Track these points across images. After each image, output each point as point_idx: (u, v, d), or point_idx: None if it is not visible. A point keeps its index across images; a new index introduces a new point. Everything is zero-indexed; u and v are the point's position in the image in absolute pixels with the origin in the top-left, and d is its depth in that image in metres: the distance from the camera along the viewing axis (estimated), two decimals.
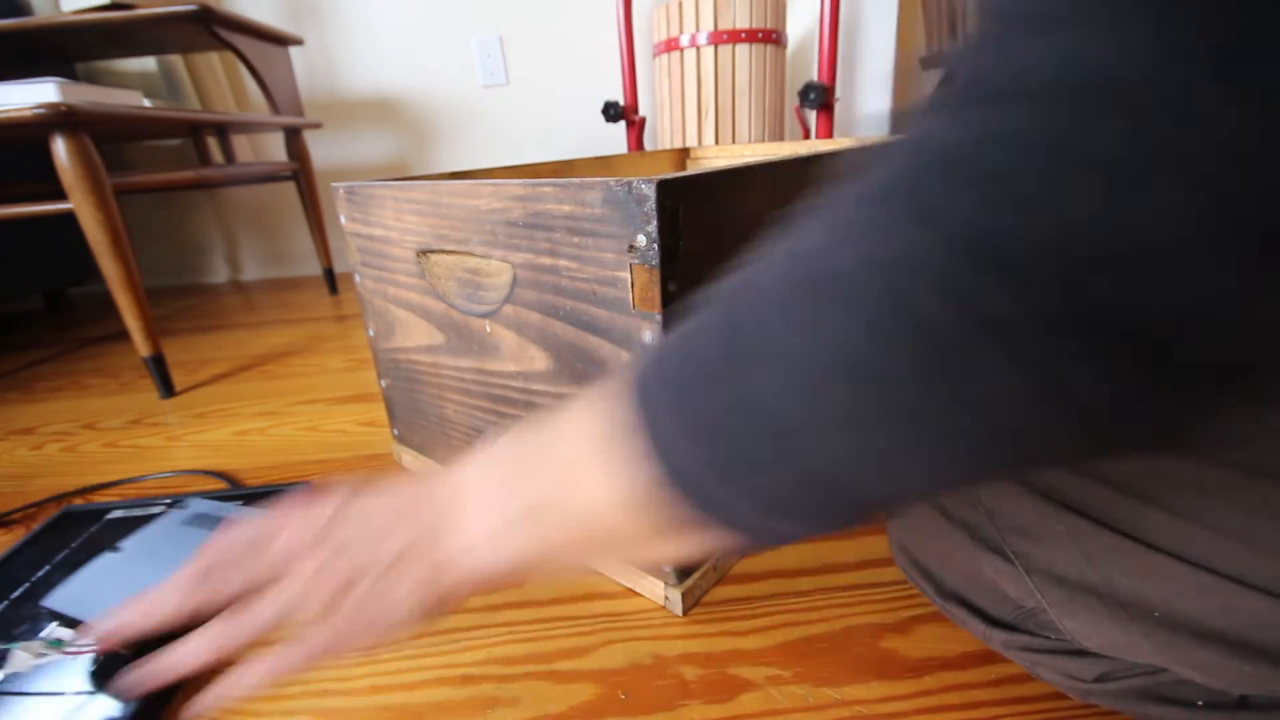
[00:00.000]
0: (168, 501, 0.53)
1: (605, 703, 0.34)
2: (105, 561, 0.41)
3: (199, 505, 0.46)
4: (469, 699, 0.35)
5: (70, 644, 0.38)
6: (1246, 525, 0.21)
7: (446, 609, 0.24)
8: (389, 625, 0.23)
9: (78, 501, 0.59)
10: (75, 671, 0.37)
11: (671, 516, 0.18)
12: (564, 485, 0.21)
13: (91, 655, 0.38)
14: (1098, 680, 0.28)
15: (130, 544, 0.42)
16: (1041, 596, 0.27)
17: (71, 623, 0.39)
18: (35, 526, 0.53)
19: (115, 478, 0.64)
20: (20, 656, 0.38)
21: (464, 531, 0.22)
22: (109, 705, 0.34)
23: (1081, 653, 0.27)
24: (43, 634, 0.39)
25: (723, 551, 0.24)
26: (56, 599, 0.38)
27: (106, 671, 0.36)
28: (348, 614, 0.23)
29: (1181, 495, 0.23)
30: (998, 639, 0.31)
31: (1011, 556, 0.27)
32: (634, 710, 0.34)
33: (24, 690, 0.36)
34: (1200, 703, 0.25)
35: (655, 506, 0.18)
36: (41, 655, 0.38)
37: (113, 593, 0.38)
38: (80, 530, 0.52)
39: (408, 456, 0.60)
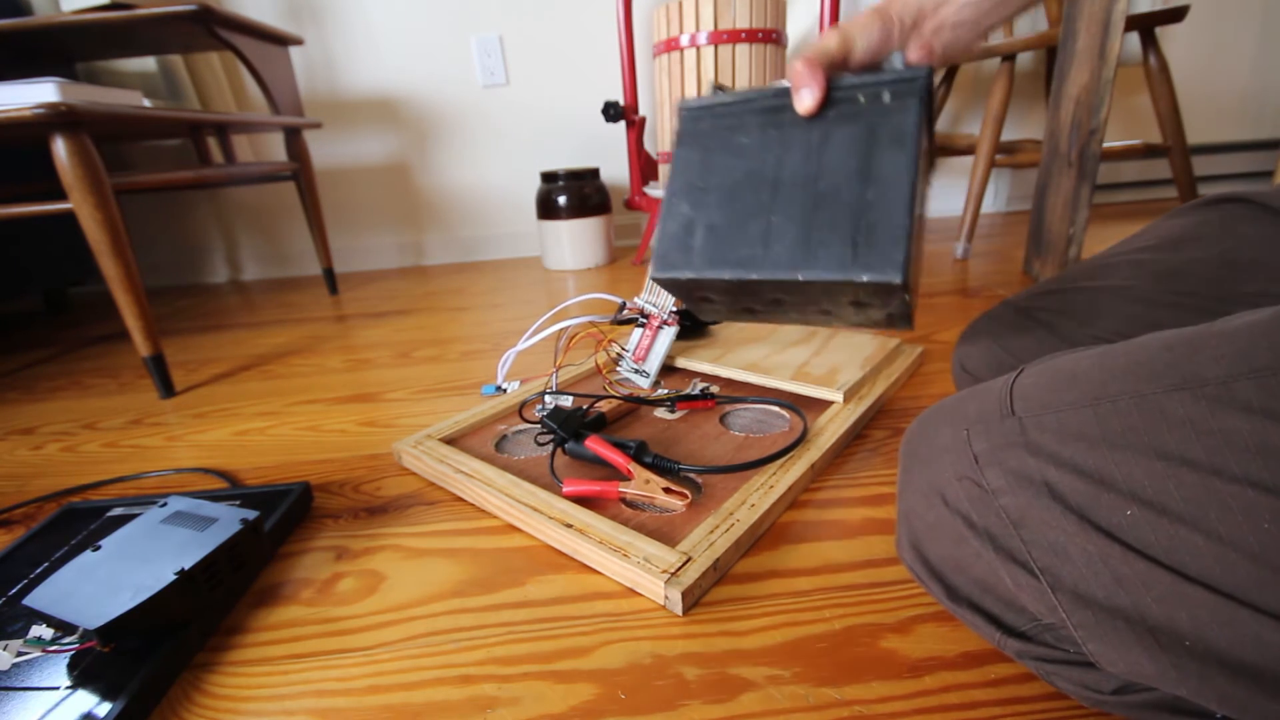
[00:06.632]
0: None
1: (605, 703, 0.34)
2: (85, 560, 0.41)
3: (179, 504, 0.46)
4: (469, 699, 0.35)
5: (50, 642, 0.38)
6: None
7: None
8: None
9: (78, 499, 0.59)
10: (56, 668, 0.37)
11: None
12: None
13: (72, 653, 0.38)
14: (1116, 693, 0.27)
15: (110, 543, 0.42)
16: (1067, 617, 0.26)
17: (51, 621, 0.39)
18: (35, 524, 0.53)
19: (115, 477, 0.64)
20: (0, 655, 0.38)
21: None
22: (89, 701, 0.35)
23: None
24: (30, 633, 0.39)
25: None
26: (36, 598, 0.38)
27: (86, 669, 0.37)
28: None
29: (1224, 517, 0.22)
30: (1012, 647, 0.30)
31: (1038, 572, 0.27)
32: (634, 710, 0.34)
33: (6, 685, 0.36)
34: (1219, 715, 0.24)
35: None
36: (22, 653, 0.38)
37: (91, 591, 0.38)
38: (81, 528, 0.52)
39: (408, 457, 0.60)
